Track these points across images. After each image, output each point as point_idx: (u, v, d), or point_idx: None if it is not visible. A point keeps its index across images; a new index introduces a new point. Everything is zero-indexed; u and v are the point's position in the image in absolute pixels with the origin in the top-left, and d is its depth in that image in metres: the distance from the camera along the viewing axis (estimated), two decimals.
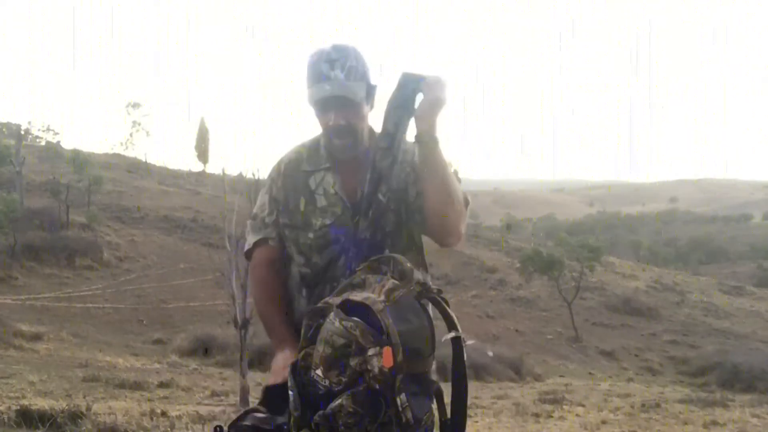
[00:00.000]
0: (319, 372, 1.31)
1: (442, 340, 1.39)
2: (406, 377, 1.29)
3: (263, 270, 1.81)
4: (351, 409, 1.26)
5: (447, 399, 1.44)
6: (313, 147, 1.83)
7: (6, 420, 5.20)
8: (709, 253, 62.26)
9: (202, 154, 65.77)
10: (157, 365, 14.56)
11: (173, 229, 34.11)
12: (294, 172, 1.80)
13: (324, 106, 1.70)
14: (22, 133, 48.30)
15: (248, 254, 1.87)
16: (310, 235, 1.74)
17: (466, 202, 1.70)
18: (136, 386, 9.99)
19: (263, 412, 1.49)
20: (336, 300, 1.38)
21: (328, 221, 1.74)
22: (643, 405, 10.96)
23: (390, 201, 1.71)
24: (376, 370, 1.26)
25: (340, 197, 1.74)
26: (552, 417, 9.35)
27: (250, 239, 1.85)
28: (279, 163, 1.86)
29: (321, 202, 1.75)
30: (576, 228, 77.44)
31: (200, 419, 6.73)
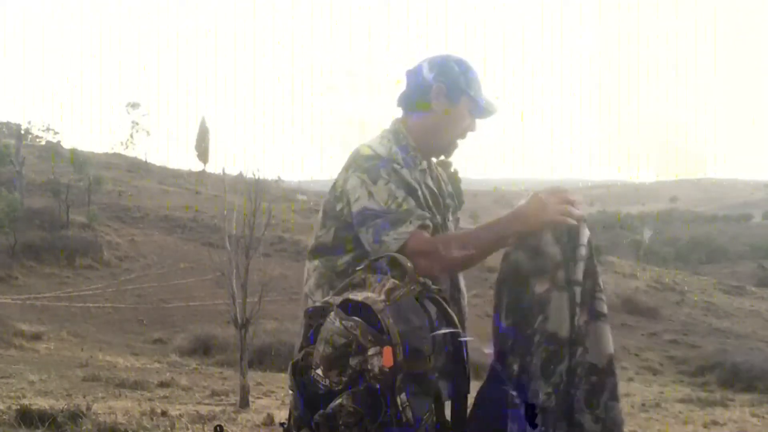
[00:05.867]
0: (319, 371, 1.31)
1: (433, 334, 1.39)
2: (406, 377, 1.29)
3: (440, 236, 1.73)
4: (351, 409, 1.26)
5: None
6: (399, 144, 1.77)
7: (6, 420, 5.20)
8: (709, 253, 62.19)
9: (202, 154, 65.77)
10: (157, 365, 14.56)
11: (173, 229, 34.12)
12: (405, 167, 1.73)
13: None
14: (22, 132, 48.30)
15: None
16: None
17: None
18: (136, 386, 9.98)
19: None
20: (336, 299, 1.38)
21: (437, 219, 1.75)
22: (643, 405, 10.96)
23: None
24: (377, 369, 1.26)
25: (440, 197, 1.82)
26: None
27: (402, 230, 1.59)
28: (392, 154, 1.72)
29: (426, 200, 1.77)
30: None
31: (200, 419, 6.73)
